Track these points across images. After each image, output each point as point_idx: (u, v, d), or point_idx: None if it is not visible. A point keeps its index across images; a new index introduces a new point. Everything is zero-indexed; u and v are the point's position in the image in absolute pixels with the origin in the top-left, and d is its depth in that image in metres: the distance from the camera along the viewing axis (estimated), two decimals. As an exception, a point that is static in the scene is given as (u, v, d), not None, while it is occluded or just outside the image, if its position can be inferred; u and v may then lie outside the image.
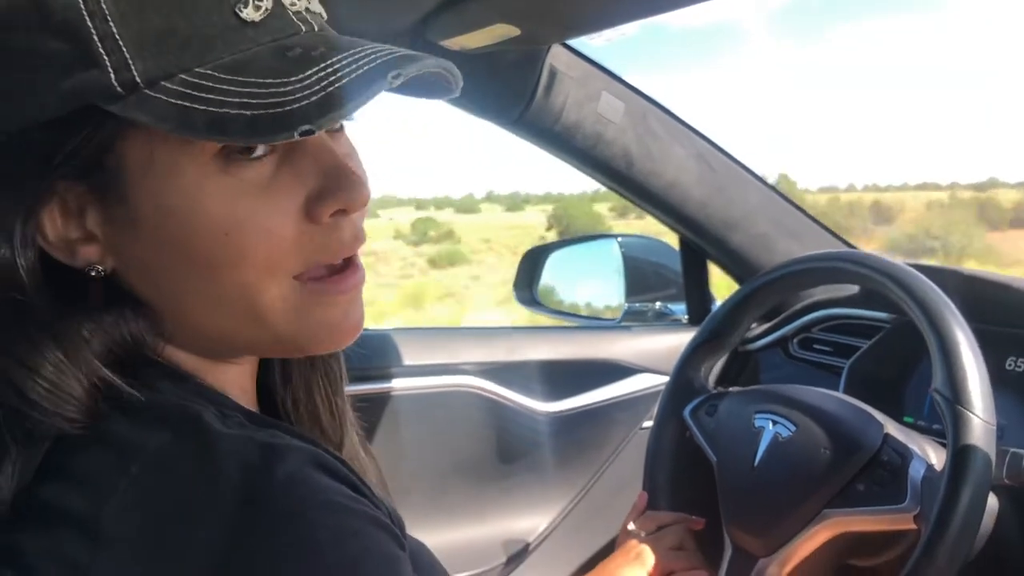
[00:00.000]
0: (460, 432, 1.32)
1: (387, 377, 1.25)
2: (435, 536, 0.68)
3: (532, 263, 1.64)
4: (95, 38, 0.44)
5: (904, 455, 0.84)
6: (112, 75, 0.44)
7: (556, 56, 1.17)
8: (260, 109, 0.44)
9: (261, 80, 0.45)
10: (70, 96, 0.45)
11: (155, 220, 0.48)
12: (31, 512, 0.47)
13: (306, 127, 0.44)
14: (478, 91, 1.20)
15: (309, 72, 0.45)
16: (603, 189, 1.36)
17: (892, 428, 0.89)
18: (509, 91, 1.18)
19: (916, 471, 0.83)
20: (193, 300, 0.50)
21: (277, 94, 0.45)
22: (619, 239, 1.55)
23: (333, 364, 0.64)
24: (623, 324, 1.52)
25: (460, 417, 1.30)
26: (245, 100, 0.44)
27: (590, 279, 1.66)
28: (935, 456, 0.87)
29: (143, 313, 0.51)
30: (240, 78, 0.45)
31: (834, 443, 0.88)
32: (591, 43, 1.16)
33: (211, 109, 0.44)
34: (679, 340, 1.36)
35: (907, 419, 1.10)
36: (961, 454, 0.78)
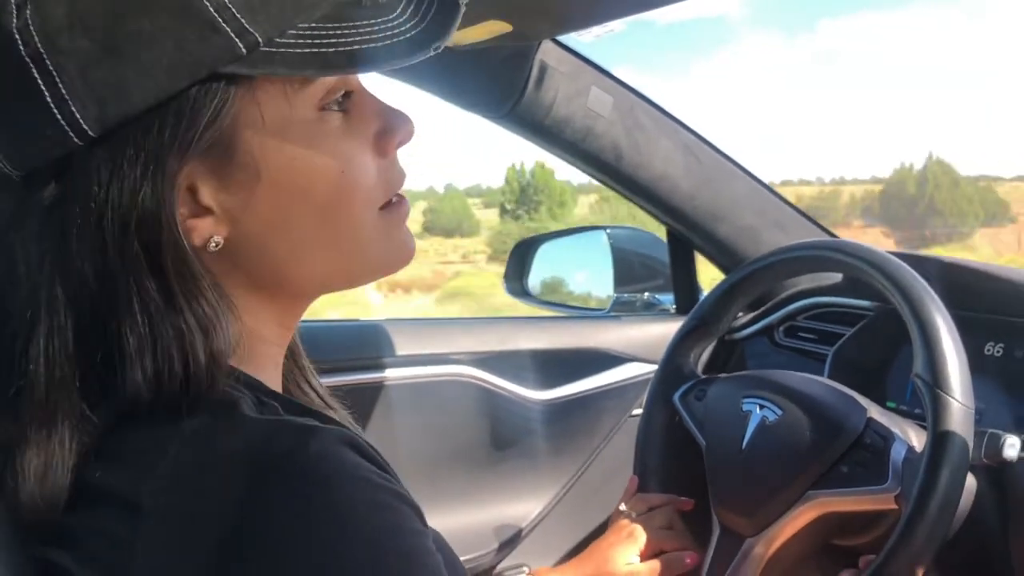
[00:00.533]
0: (453, 420, 1.34)
1: (381, 367, 1.27)
2: (431, 523, 0.70)
3: (522, 255, 1.66)
4: (210, 8, 0.48)
5: (886, 437, 0.87)
6: (235, 39, 0.48)
7: (546, 52, 1.19)
8: (388, 40, 0.51)
9: (366, 21, 0.52)
10: (199, 65, 0.48)
11: (278, 172, 0.52)
12: (83, 494, 0.49)
13: (438, 43, 0.52)
14: (469, 86, 1.22)
15: (399, 11, 0.53)
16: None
17: (875, 412, 0.91)
18: (500, 86, 1.20)
19: (897, 453, 0.86)
20: (305, 244, 0.55)
21: (391, 26, 0.52)
22: (608, 231, 1.58)
23: (301, 358, 0.68)
24: (612, 314, 1.54)
25: (453, 406, 1.32)
26: (367, 36, 0.51)
27: (579, 270, 1.68)
28: (916, 439, 0.90)
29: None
30: (344, 23, 0.51)
31: (819, 426, 0.91)
32: (580, 39, 1.18)
33: (343, 48, 0.51)
34: (667, 329, 1.38)
35: (890, 404, 1.12)
36: (940, 436, 0.81)
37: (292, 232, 0.55)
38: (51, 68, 0.47)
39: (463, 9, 0.54)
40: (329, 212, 0.55)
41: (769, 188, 1.43)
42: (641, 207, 1.40)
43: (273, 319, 0.59)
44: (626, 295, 1.56)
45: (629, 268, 1.58)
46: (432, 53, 0.53)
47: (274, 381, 0.59)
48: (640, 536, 0.97)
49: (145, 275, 0.50)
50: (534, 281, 1.65)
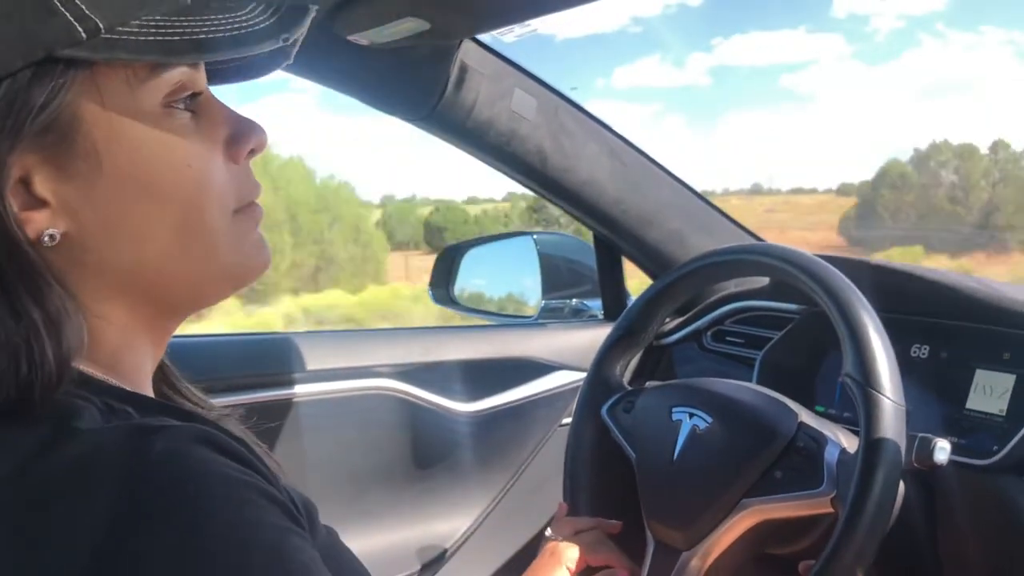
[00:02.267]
0: (375, 436, 1.29)
1: (299, 381, 1.22)
2: (351, 543, 0.66)
3: (448, 261, 1.62)
4: None
5: (819, 440, 0.86)
6: (75, 23, 0.47)
7: (467, 52, 1.16)
8: (236, 30, 0.51)
9: (213, 16, 0.51)
10: (34, 46, 0.46)
11: (122, 163, 0.50)
12: None
13: (286, 35, 0.52)
14: (387, 87, 1.18)
15: (248, 9, 0.52)
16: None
17: (805, 416, 0.90)
18: (419, 87, 1.16)
19: (831, 455, 0.84)
20: (153, 245, 0.52)
21: (238, 20, 0.51)
22: (535, 236, 1.55)
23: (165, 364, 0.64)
24: (540, 321, 1.52)
25: (375, 420, 1.28)
26: (215, 27, 0.51)
27: (506, 276, 1.65)
28: (847, 442, 0.89)
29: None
30: (191, 17, 0.50)
31: (750, 433, 0.89)
32: (503, 39, 1.15)
33: (188, 37, 0.50)
34: (595, 336, 1.36)
35: (818, 408, 1.12)
36: (874, 435, 0.80)
37: (137, 228, 0.52)
38: None
39: (313, 12, 0.54)
40: (177, 208, 0.52)
41: (695, 192, 1.42)
42: (567, 212, 1.38)
43: (136, 324, 0.55)
44: (554, 301, 1.54)
45: (557, 274, 1.56)
46: (281, 44, 0.52)
47: (140, 388, 0.55)
48: (568, 554, 0.94)
49: None
50: (460, 288, 1.62)
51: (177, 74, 0.51)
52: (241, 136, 0.56)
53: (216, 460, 0.45)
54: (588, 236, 1.51)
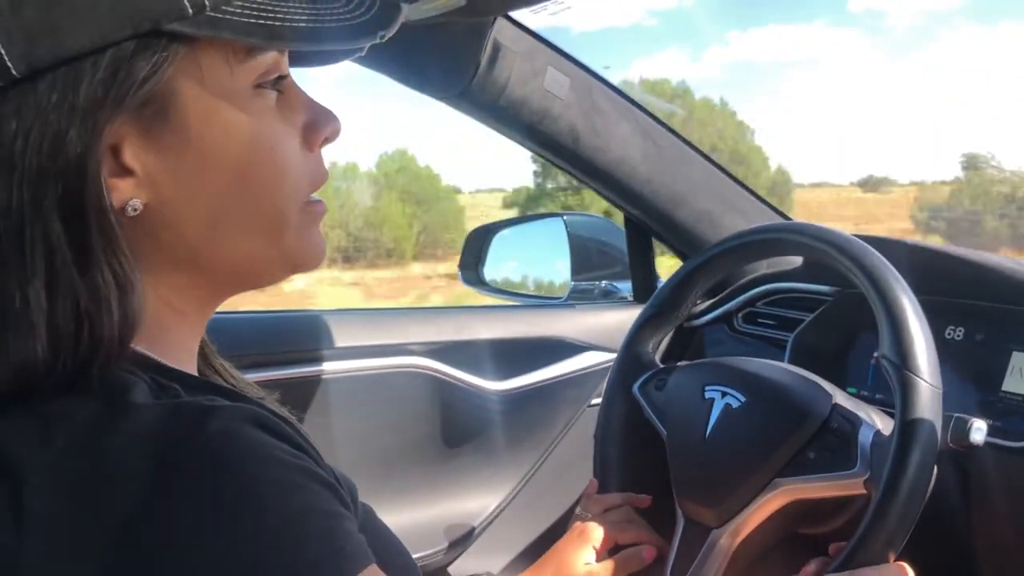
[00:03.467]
0: (407, 413, 1.30)
1: (332, 358, 1.23)
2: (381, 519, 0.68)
3: (478, 243, 1.62)
4: None
5: (853, 422, 0.85)
6: None
7: (501, 30, 1.15)
8: (332, 22, 0.51)
9: (314, 4, 0.52)
10: (143, 18, 0.46)
11: (213, 140, 0.51)
12: None
13: (383, 31, 0.53)
14: (421, 64, 1.18)
15: (344, 0, 0.53)
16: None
17: (840, 397, 0.90)
18: (453, 65, 1.16)
19: (865, 437, 0.84)
20: (228, 222, 0.53)
21: (338, 11, 0.52)
22: (565, 217, 1.55)
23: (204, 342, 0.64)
24: (569, 302, 1.52)
25: (408, 397, 1.28)
26: (315, 15, 0.51)
27: (536, 258, 1.65)
28: (882, 423, 0.88)
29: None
30: (292, 3, 0.51)
31: (784, 412, 0.89)
32: (536, 16, 1.14)
33: (289, 24, 0.50)
34: (625, 317, 1.36)
35: (851, 390, 1.11)
36: (909, 417, 0.79)
37: (214, 205, 0.52)
38: None
39: (406, 9, 0.57)
40: (255, 190, 0.53)
41: (727, 173, 1.42)
42: (598, 192, 1.38)
43: (187, 301, 0.56)
44: (584, 283, 1.54)
45: (587, 256, 1.56)
46: (377, 40, 0.53)
47: (184, 365, 0.56)
48: (594, 534, 0.94)
49: (58, 229, 0.47)
50: (490, 270, 1.62)
51: (270, 57, 0.52)
52: (319, 123, 0.56)
53: (269, 442, 0.46)
54: (618, 218, 1.51)
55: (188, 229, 0.52)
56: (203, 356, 0.63)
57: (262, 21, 0.50)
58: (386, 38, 0.53)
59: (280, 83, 0.54)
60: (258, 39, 0.50)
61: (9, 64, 0.45)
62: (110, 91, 0.46)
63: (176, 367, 0.53)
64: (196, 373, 0.59)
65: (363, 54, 0.57)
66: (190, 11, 0.47)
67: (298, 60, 0.58)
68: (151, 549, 0.41)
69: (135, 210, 0.50)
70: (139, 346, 0.51)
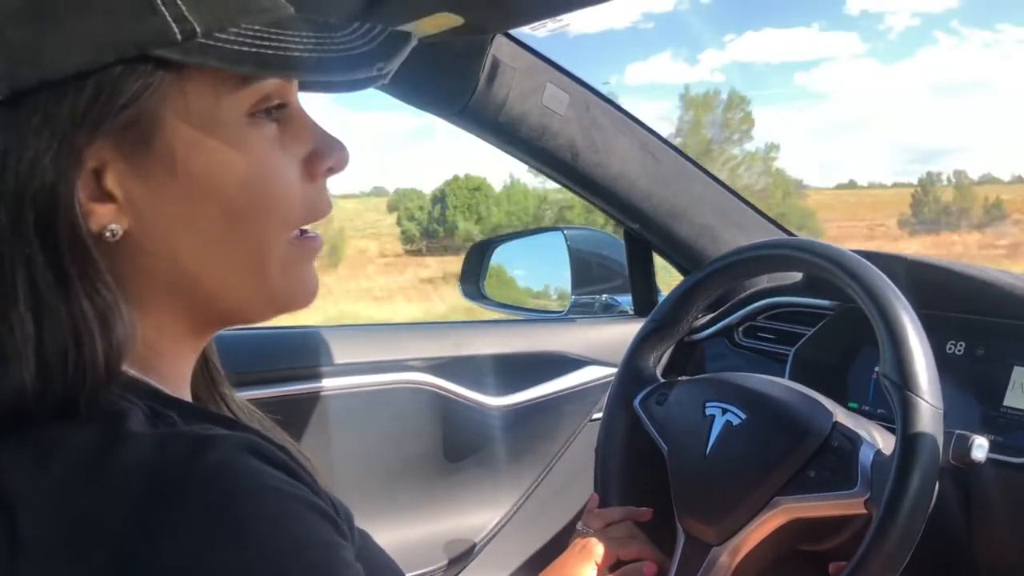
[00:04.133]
0: (407, 429, 1.30)
1: (331, 375, 1.23)
2: (381, 536, 0.67)
3: (479, 256, 1.63)
4: None
5: (853, 441, 0.85)
6: (172, 23, 0.47)
7: (500, 47, 1.16)
8: (330, 52, 0.50)
9: (312, 34, 0.51)
10: (129, 43, 0.46)
11: (197, 169, 0.50)
12: None
13: (382, 65, 0.51)
14: (421, 82, 1.18)
15: (347, 32, 0.52)
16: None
17: (840, 415, 0.89)
18: (452, 83, 1.17)
19: (866, 456, 0.83)
20: (210, 254, 0.52)
21: (335, 42, 0.51)
22: (565, 231, 1.55)
23: (214, 367, 0.64)
24: (569, 316, 1.52)
25: (408, 413, 1.28)
26: (310, 46, 0.50)
27: (536, 272, 1.65)
28: (883, 441, 0.88)
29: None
30: (290, 32, 0.50)
31: (784, 430, 0.89)
32: (535, 33, 1.15)
33: (283, 52, 0.49)
34: (625, 331, 1.35)
35: (851, 405, 1.11)
36: (910, 438, 0.79)
37: (196, 236, 0.51)
38: None
39: (414, 43, 0.54)
40: (241, 221, 0.52)
41: (727, 187, 1.42)
42: (598, 207, 1.38)
43: (178, 328, 0.55)
44: (584, 297, 1.54)
45: (587, 269, 1.56)
46: (375, 74, 0.52)
47: (179, 392, 0.55)
48: (595, 550, 0.94)
49: (36, 252, 0.47)
50: (491, 283, 1.62)
51: (267, 85, 0.51)
52: (323, 153, 0.55)
53: (267, 472, 0.45)
54: (618, 232, 1.51)
55: (170, 259, 0.51)
56: (210, 381, 0.63)
57: (254, 49, 0.49)
58: (384, 71, 0.52)
59: (280, 111, 0.53)
60: (248, 68, 0.49)
61: None
62: (88, 114, 0.46)
63: (171, 393, 0.53)
64: (190, 397, 0.58)
65: (385, 82, 0.55)
66: (179, 37, 0.47)
67: (309, 85, 0.57)
68: None
69: (113, 235, 0.49)
70: (133, 370, 0.51)
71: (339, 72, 0.51)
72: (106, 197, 0.49)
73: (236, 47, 0.48)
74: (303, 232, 0.56)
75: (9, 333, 0.46)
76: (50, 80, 0.46)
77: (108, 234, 0.49)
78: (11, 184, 0.46)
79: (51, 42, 0.45)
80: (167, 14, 0.47)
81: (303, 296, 0.57)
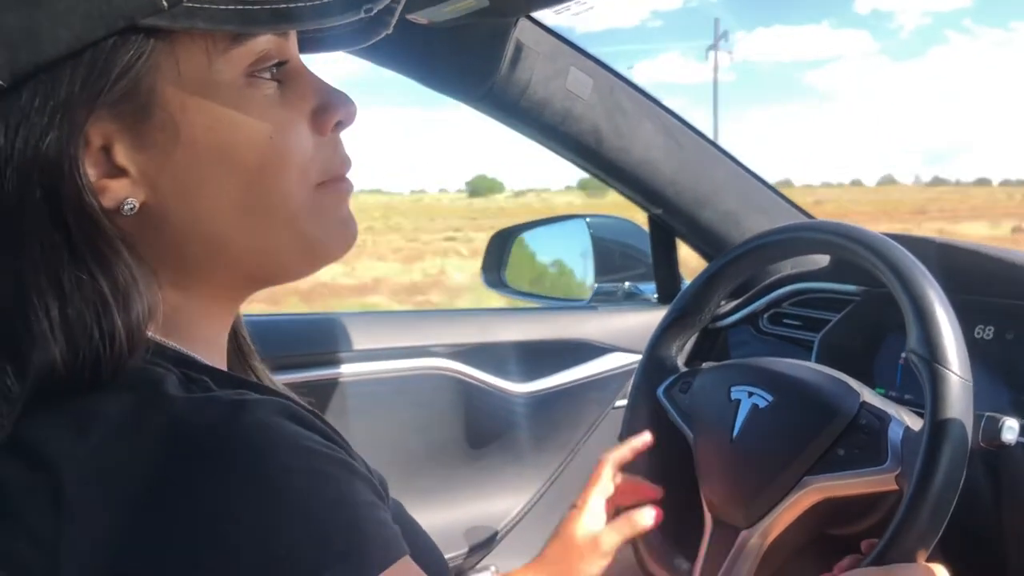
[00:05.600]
0: (431, 415, 1.30)
1: (355, 360, 1.23)
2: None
3: (500, 245, 1.62)
4: None
5: (882, 418, 0.84)
6: None
7: (523, 31, 1.15)
8: (317, 1, 0.49)
9: None
10: (117, 15, 0.46)
11: (199, 134, 0.50)
12: None
13: (368, 5, 0.50)
14: (444, 67, 1.18)
15: None
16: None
17: (868, 395, 0.89)
18: (476, 67, 1.16)
19: (895, 433, 0.83)
20: (230, 216, 0.52)
21: None
22: (587, 219, 1.55)
23: (244, 341, 0.65)
24: (592, 304, 1.51)
25: (431, 399, 1.29)
26: None
27: (559, 260, 1.65)
28: (911, 421, 0.87)
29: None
30: None
31: (812, 410, 0.88)
32: (558, 16, 1.14)
33: (268, 6, 0.48)
34: (649, 319, 1.35)
35: (879, 390, 1.10)
36: (940, 410, 0.78)
37: (215, 199, 0.52)
38: None
39: None
40: (255, 179, 0.52)
41: (752, 172, 1.41)
42: (621, 193, 1.37)
43: (208, 298, 0.55)
44: (607, 285, 1.54)
45: (610, 257, 1.55)
46: (363, 15, 0.51)
47: (213, 360, 0.56)
48: (608, 544, 0.93)
49: (49, 233, 0.47)
50: (512, 272, 1.62)
51: (262, 42, 0.51)
52: (329, 107, 0.55)
53: (302, 433, 0.46)
54: (641, 219, 1.50)
55: (191, 224, 0.52)
56: (241, 354, 0.63)
57: (240, 7, 0.48)
58: (373, 11, 0.51)
59: (281, 69, 0.53)
60: (234, 26, 0.49)
61: None
62: (85, 90, 0.47)
63: (204, 360, 0.53)
64: (224, 367, 0.59)
65: (389, 31, 0.55)
66: (165, 5, 0.47)
67: (312, 45, 0.58)
68: (186, 536, 0.42)
69: (131, 209, 0.50)
70: (167, 339, 0.52)
71: (325, 18, 0.50)
72: (118, 172, 0.50)
73: (221, 7, 0.48)
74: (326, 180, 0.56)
75: (34, 310, 0.47)
76: (46, 62, 0.46)
77: (126, 208, 0.50)
78: (19, 163, 0.46)
79: (44, 23, 0.46)
80: None
81: (342, 241, 0.57)
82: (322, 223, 0.55)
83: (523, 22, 1.14)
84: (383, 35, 0.56)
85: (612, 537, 0.93)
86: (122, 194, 0.50)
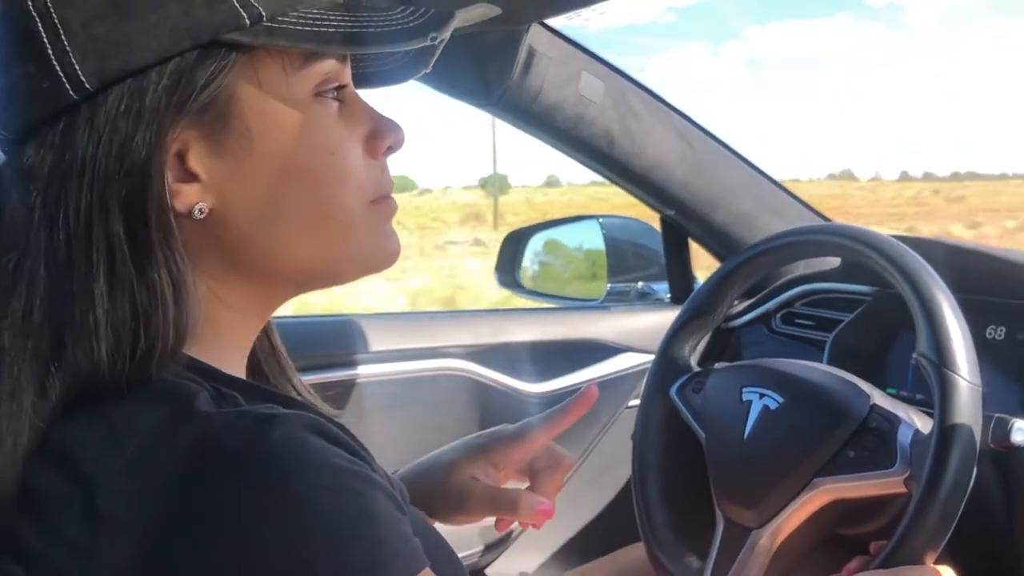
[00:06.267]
0: (445, 415, 1.31)
1: (370, 362, 1.24)
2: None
3: (514, 246, 1.63)
4: None
5: (892, 421, 0.85)
6: (240, 9, 0.51)
7: (535, 36, 1.16)
8: (387, 27, 0.54)
9: (366, 13, 0.54)
10: (202, 30, 0.50)
11: (270, 144, 0.53)
12: (30, 498, 0.47)
13: (435, 33, 0.54)
14: (457, 73, 1.19)
15: (398, 10, 0.55)
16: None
17: (878, 397, 0.89)
18: (488, 73, 1.18)
19: (904, 436, 0.83)
20: (291, 224, 0.55)
21: (391, 17, 0.55)
22: (600, 220, 1.55)
23: (279, 351, 0.67)
24: (605, 304, 1.52)
25: (446, 400, 1.30)
26: (367, 23, 0.54)
27: (572, 260, 1.66)
28: (921, 423, 0.88)
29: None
30: (346, 12, 0.54)
31: (822, 413, 0.89)
32: (570, 23, 1.16)
33: (343, 30, 0.53)
34: (662, 319, 1.36)
35: (890, 390, 1.11)
36: (949, 415, 0.79)
37: (277, 208, 0.54)
38: (56, 21, 0.48)
39: (458, 18, 0.57)
40: (319, 190, 0.55)
41: (764, 174, 1.41)
42: (634, 195, 1.38)
43: (245, 303, 0.58)
44: (620, 285, 1.54)
45: (623, 257, 1.56)
46: (429, 42, 0.55)
47: (236, 369, 0.58)
48: (473, 506, 0.84)
49: (119, 232, 0.49)
50: (526, 272, 1.63)
51: (328, 65, 0.55)
52: (381, 132, 0.58)
53: (328, 449, 0.47)
54: (653, 219, 1.51)
55: (254, 232, 0.54)
56: (279, 368, 0.66)
57: (315, 29, 0.52)
58: (437, 40, 0.55)
59: (341, 92, 0.57)
60: (312, 44, 0.52)
61: (83, 79, 0.48)
62: (172, 98, 0.50)
63: (232, 373, 0.55)
64: (246, 369, 0.61)
65: (428, 69, 0.59)
66: (247, 22, 0.51)
67: (362, 81, 0.61)
68: (215, 548, 0.43)
69: (202, 213, 0.53)
70: (196, 354, 0.53)
71: (395, 43, 0.55)
72: (190, 177, 0.52)
73: (299, 27, 0.52)
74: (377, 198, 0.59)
75: (89, 307, 0.49)
76: (134, 70, 0.49)
77: (196, 212, 0.53)
78: (102, 164, 0.49)
79: (134, 34, 0.49)
80: (235, 1, 0.51)
81: (392, 254, 0.60)
82: (375, 236, 0.59)
83: (535, 27, 1.15)
84: (422, 72, 0.60)
85: (480, 503, 0.84)
86: (193, 199, 0.52)
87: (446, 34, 0.55)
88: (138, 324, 0.49)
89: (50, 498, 0.47)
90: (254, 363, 0.64)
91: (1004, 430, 0.83)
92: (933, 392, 0.81)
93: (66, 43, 0.48)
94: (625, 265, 1.56)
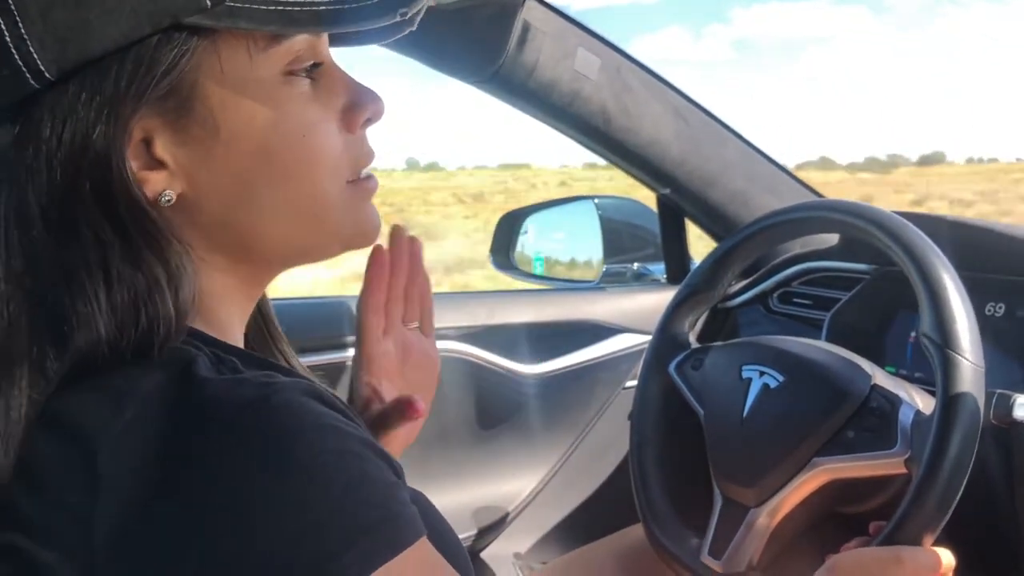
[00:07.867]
0: (442, 397, 1.29)
1: None
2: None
3: (509, 227, 1.62)
4: None
5: (893, 401, 0.84)
6: None
7: (530, 11, 1.15)
8: (356, 4, 0.51)
9: None
10: (162, 14, 0.48)
11: (237, 129, 0.52)
12: (29, 468, 0.47)
13: (403, 10, 0.52)
14: (452, 49, 1.17)
15: None
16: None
17: (879, 376, 0.89)
18: (483, 49, 1.16)
19: (905, 416, 0.83)
20: (265, 208, 0.54)
21: None
22: (596, 200, 1.54)
23: (273, 326, 0.67)
24: (601, 285, 1.51)
25: (442, 382, 1.28)
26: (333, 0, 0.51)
27: (567, 241, 1.65)
28: (922, 402, 0.87)
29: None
30: None
31: (823, 392, 0.88)
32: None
33: (309, 8, 0.50)
34: (658, 299, 1.35)
35: (889, 368, 1.10)
36: (951, 397, 0.78)
37: (250, 193, 0.54)
38: (13, 9, 0.47)
39: None
40: (290, 176, 0.54)
41: (760, 151, 1.40)
42: (630, 173, 1.37)
43: (235, 282, 0.58)
44: (616, 266, 1.53)
45: (618, 238, 1.55)
46: (398, 18, 0.53)
47: (233, 339, 0.58)
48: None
49: (100, 221, 0.49)
50: (521, 253, 1.62)
51: (298, 43, 0.53)
52: (358, 105, 0.57)
53: (327, 413, 0.47)
54: (649, 199, 1.50)
55: (226, 216, 0.54)
56: (270, 338, 0.66)
57: (281, 8, 0.50)
58: (408, 16, 0.53)
59: (315, 69, 0.55)
60: (276, 26, 0.51)
61: (43, 68, 0.47)
62: (132, 86, 0.49)
63: (227, 341, 0.55)
64: (243, 344, 0.61)
65: (413, 28, 0.56)
66: (208, 4, 0.49)
67: (340, 40, 0.59)
68: (216, 509, 0.43)
69: (168, 200, 0.52)
70: (194, 324, 0.53)
71: (364, 22, 0.52)
72: (157, 165, 0.52)
73: (263, 7, 0.50)
74: (356, 177, 0.58)
75: (83, 295, 0.48)
76: (94, 57, 0.48)
77: (163, 200, 0.52)
78: (66, 155, 0.48)
79: (93, 20, 0.47)
80: None
81: (367, 234, 0.60)
82: (352, 217, 0.58)
83: (530, 2, 1.13)
84: (407, 32, 0.57)
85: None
86: (160, 186, 0.52)
87: (416, 8, 0.53)
88: (136, 308, 0.49)
89: (50, 466, 0.47)
90: (248, 338, 0.64)
91: (1006, 406, 0.83)
92: (936, 373, 0.80)
93: (23, 31, 0.47)
94: (621, 245, 1.55)
